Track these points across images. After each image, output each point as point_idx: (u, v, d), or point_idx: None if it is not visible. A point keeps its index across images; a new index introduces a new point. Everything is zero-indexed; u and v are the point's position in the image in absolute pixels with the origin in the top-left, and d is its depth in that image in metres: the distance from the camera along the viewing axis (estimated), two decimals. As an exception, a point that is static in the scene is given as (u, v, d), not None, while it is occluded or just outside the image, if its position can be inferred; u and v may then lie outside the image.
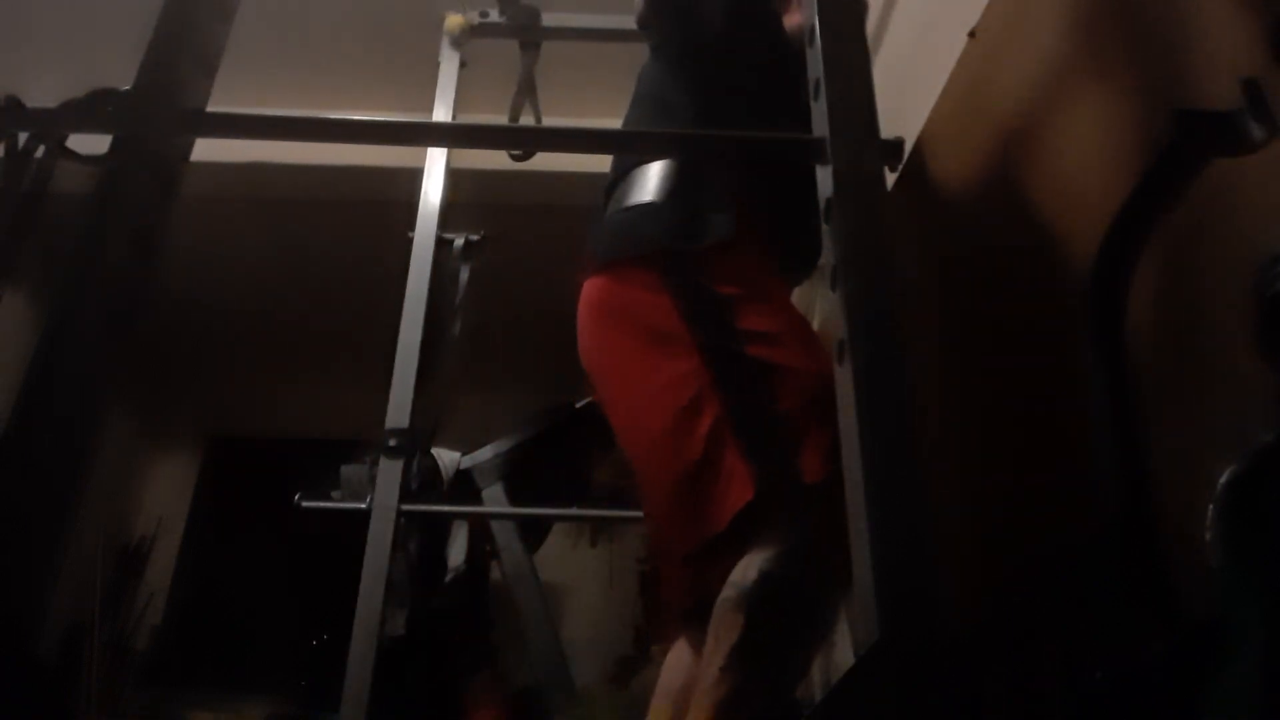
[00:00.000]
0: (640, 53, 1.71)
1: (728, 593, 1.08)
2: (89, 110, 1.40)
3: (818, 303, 2.43)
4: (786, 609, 1.07)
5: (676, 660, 1.25)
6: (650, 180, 1.30)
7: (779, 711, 1.10)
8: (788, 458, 1.08)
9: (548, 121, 2.08)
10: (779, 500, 1.07)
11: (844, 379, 0.79)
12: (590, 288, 1.28)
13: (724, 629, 1.06)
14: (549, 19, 2.16)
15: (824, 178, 0.90)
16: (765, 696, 1.07)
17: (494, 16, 2.16)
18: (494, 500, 2.68)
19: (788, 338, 1.18)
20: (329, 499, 2.22)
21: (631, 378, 1.23)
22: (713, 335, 1.15)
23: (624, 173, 1.36)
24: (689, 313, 1.17)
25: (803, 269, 1.40)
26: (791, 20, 1.54)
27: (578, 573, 3.73)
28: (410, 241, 1.96)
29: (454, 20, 2.15)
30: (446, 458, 2.70)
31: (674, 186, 1.28)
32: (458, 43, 2.16)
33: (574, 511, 2.79)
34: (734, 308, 1.17)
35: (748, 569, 1.07)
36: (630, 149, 1.53)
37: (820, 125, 0.91)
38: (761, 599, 1.05)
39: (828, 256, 0.86)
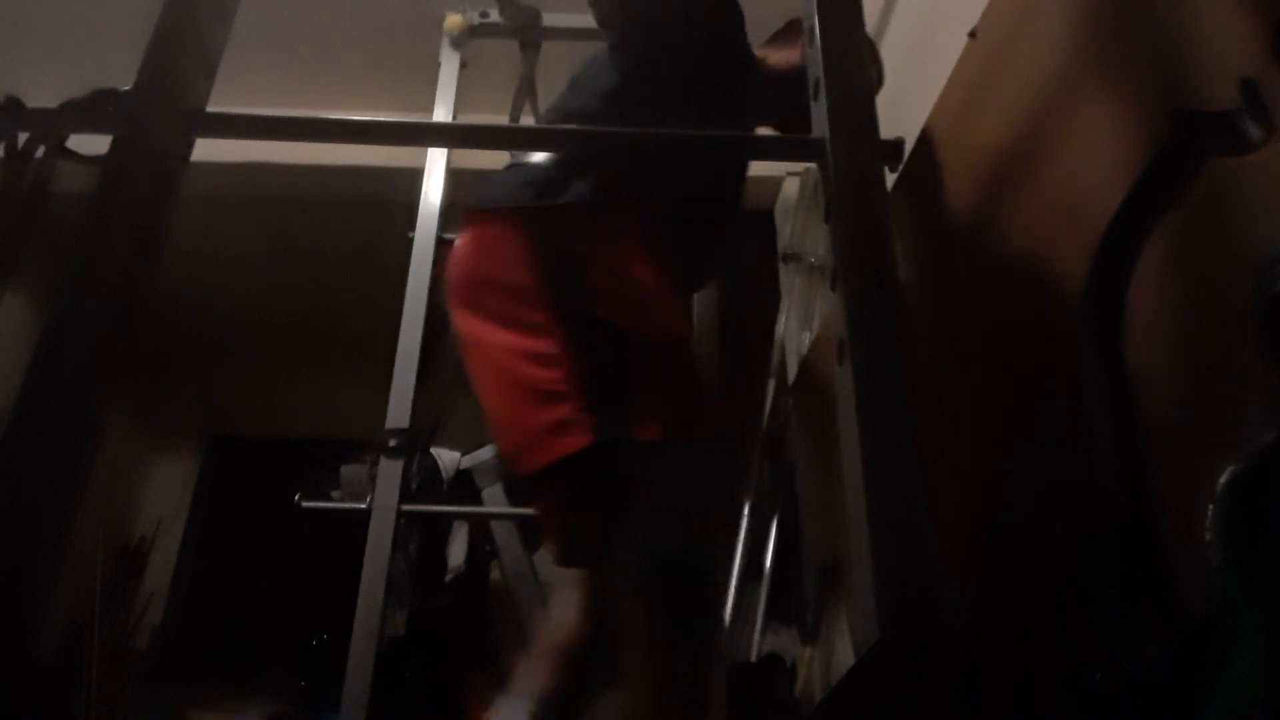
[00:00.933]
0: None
1: (620, 588, 1.13)
2: (89, 110, 1.40)
3: (818, 303, 2.43)
4: (667, 580, 1.10)
5: (560, 612, 1.33)
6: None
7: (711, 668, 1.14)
8: (624, 415, 1.12)
9: (548, 121, 2.08)
10: (615, 455, 1.11)
11: (844, 379, 0.79)
12: (462, 236, 1.33)
13: (628, 623, 1.11)
14: (549, 19, 2.16)
15: (824, 178, 0.90)
16: (692, 661, 1.10)
17: (494, 16, 2.16)
18: (494, 500, 2.68)
19: (635, 300, 1.21)
20: (329, 499, 2.22)
21: (488, 324, 1.26)
22: (564, 293, 1.19)
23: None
24: (543, 269, 1.21)
25: (690, 258, 1.40)
26: (780, 56, 1.58)
27: (578, 572, 3.73)
28: (410, 241, 1.96)
29: (454, 20, 2.15)
30: (446, 458, 2.70)
31: (552, 156, 1.32)
32: (458, 43, 2.16)
33: (574, 511, 2.79)
34: (585, 268, 1.21)
35: (626, 560, 1.13)
36: (630, 149, 1.53)
37: (820, 125, 0.91)
38: (644, 580, 1.10)
39: (828, 256, 0.86)
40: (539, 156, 1.32)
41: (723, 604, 1.21)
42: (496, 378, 1.24)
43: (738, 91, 1.46)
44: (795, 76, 1.60)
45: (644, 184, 1.27)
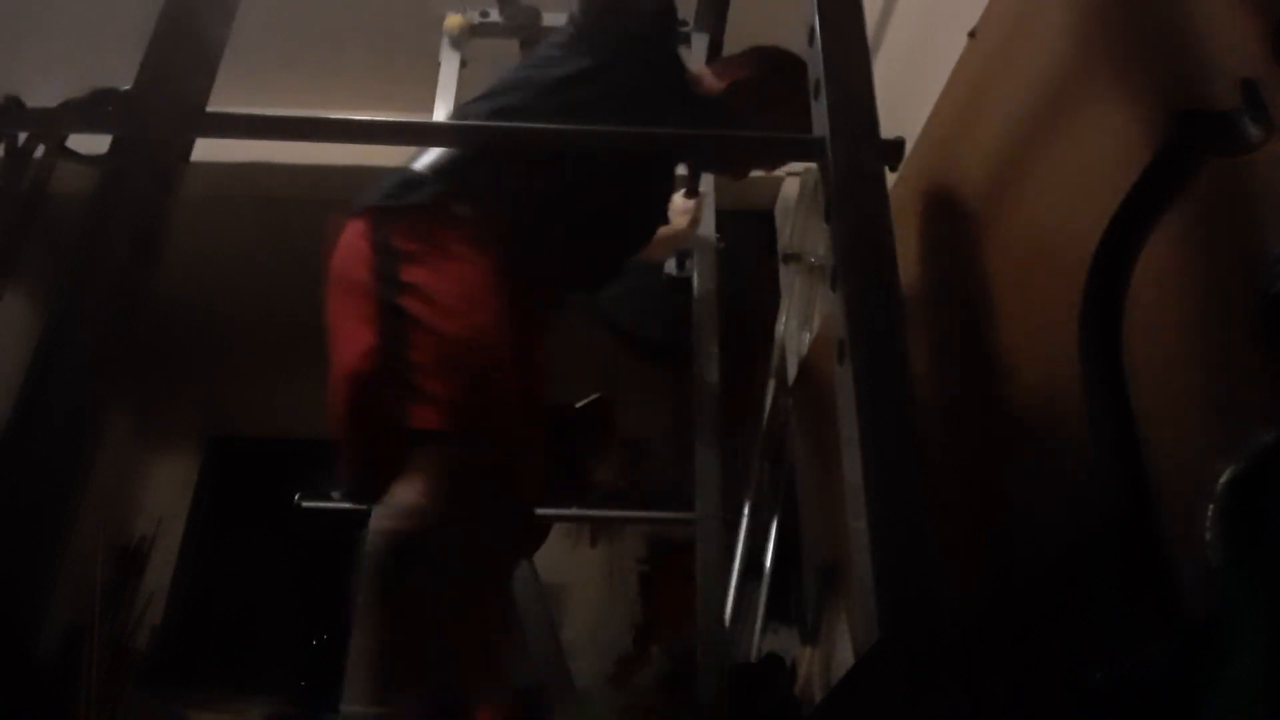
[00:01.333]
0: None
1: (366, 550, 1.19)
2: (89, 110, 1.40)
3: (818, 303, 2.43)
4: (400, 568, 1.16)
5: None
6: (421, 150, 1.45)
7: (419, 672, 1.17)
8: (405, 402, 1.21)
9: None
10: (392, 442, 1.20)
11: (844, 379, 0.79)
12: (342, 232, 1.42)
13: (361, 589, 1.18)
14: (549, 19, 2.16)
15: (824, 178, 0.90)
16: (407, 655, 1.15)
17: (494, 16, 2.16)
18: (494, 500, 2.67)
19: (443, 299, 1.29)
20: (329, 499, 2.22)
21: (335, 311, 1.36)
22: (383, 285, 1.29)
23: None
24: (374, 263, 1.31)
25: (542, 257, 1.47)
26: (711, 81, 1.73)
27: (578, 573, 3.73)
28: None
29: (454, 20, 2.15)
30: (446, 457, 2.70)
31: (420, 156, 1.42)
32: (458, 43, 2.16)
33: (574, 511, 2.79)
34: (405, 262, 1.31)
35: (372, 524, 1.19)
36: (630, 149, 1.53)
37: (820, 125, 0.91)
38: (374, 560, 1.16)
39: (828, 256, 0.86)
40: (407, 158, 1.43)
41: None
42: (335, 367, 1.34)
43: (672, 103, 1.57)
44: (717, 102, 1.71)
45: (498, 194, 1.38)
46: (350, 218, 1.40)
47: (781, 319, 2.51)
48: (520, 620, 2.49)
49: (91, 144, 1.03)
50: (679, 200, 2.03)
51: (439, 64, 2.16)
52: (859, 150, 0.87)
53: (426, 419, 1.20)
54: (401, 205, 1.36)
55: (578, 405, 2.52)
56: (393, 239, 1.33)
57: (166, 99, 0.88)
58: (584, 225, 1.48)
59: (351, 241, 1.37)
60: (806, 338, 2.40)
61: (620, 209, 1.55)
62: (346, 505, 1.96)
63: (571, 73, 1.48)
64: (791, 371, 2.45)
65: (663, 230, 1.88)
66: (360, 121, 1.02)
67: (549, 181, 1.41)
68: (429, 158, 1.42)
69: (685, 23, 2.16)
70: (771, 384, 2.54)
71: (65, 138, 1.81)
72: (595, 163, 1.46)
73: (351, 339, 1.29)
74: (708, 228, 2.16)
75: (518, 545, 1.48)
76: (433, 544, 1.16)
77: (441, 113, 2.09)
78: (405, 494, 1.18)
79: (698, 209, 2.08)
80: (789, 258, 2.54)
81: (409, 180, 1.39)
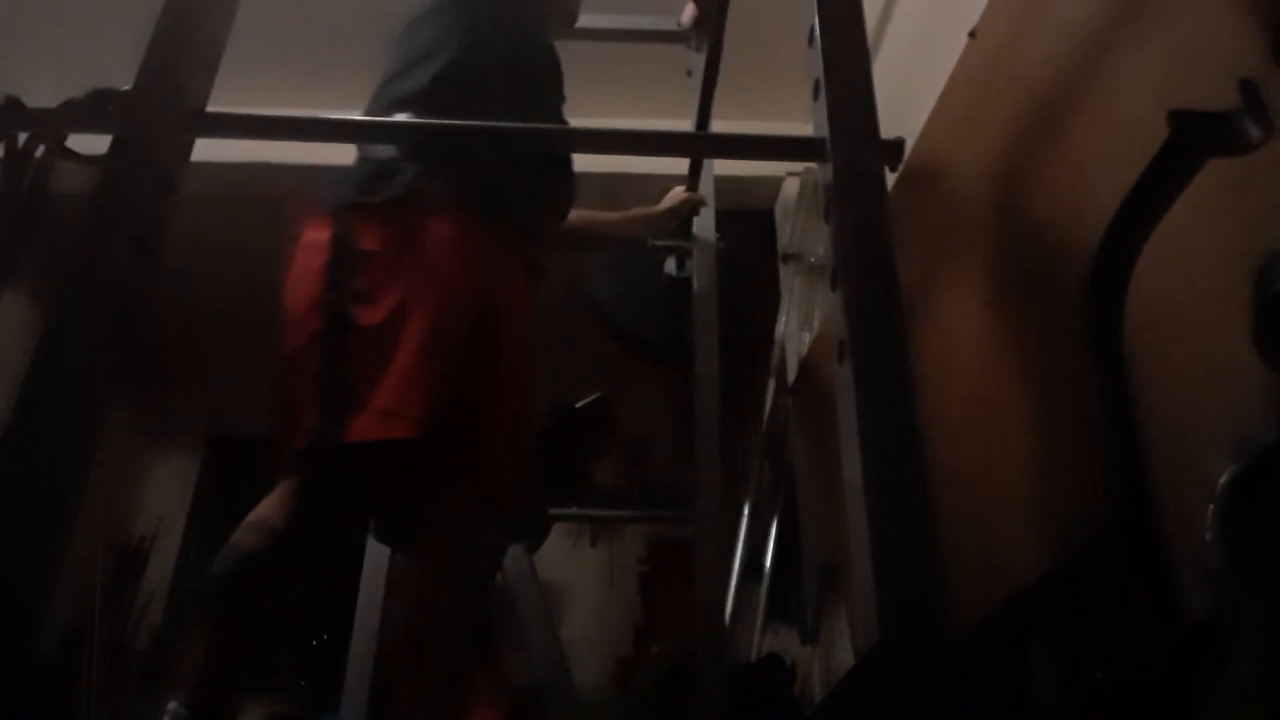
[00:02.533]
0: (639, 53, 1.72)
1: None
2: (89, 110, 1.40)
3: (818, 303, 2.43)
4: (239, 582, 1.16)
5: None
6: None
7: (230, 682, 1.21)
8: (341, 414, 1.17)
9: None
10: (321, 457, 1.16)
11: (844, 379, 0.79)
12: (303, 232, 1.37)
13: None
14: (549, 19, 2.16)
15: (824, 178, 0.90)
16: (221, 663, 1.18)
17: (494, 16, 2.16)
18: (494, 500, 2.67)
19: (402, 301, 1.23)
20: (329, 499, 2.21)
21: (287, 316, 1.32)
22: (332, 291, 1.24)
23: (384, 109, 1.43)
24: (329, 268, 1.26)
25: (510, 218, 1.43)
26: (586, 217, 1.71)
27: (578, 573, 3.73)
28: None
29: (454, 20, 2.14)
30: (446, 458, 2.70)
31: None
32: (458, 43, 2.15)
33: (574, 511, 2.79)
34: (360, 266, 1.25)
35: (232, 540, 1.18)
36: (630, 148, 1.53)
37: (820, 125, 0.91)
38: (220, 566, 1.16)
39: (828, 256, 0.86)
40: (364, 150, 1.38)
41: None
42: (278, 372, 1.32)
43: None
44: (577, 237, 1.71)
45: (464, 160, 1.32)
46: (315, 215, 1.35)
47: (781, 319, 2.51)
48: (520, 620, 2.49)
49: (91, 144, 1.03)
50: (678, 190, 2.02)
51: (439, 64, 2.15)
52: (859, 150, 0.87)
53: (362, 429, 1.16)
54: (375, 201, 1.29)
55: (578, 405, 2.52)
56: (355, 239, 1.27)
57: (166, 99, 0.88)
58: (535, 169, 1.44)
59: (313, 242, 1.32)
60: (806, 338, 2.40)
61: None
62: (346, 505, 1.96)
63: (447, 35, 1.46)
64: (791, 371, 2.45)
65: (653, 209, 1.88)
66: (360, 122, 1.02)
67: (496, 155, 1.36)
68: (381, 150, 1.36)
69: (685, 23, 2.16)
70: (771, 384, 2.54)
71: (65, 138, 1.81)
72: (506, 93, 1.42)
73: (298, 350, 1.26)
74: (707, 228, 2.16)
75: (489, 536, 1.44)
76: (269, 562, 1.17)
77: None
78: (263, 509, 1.18)
79: (693, 204, 2.05)
80: (789, 258, 2.54)
81: (384, 168, 1.32)
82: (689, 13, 1.90)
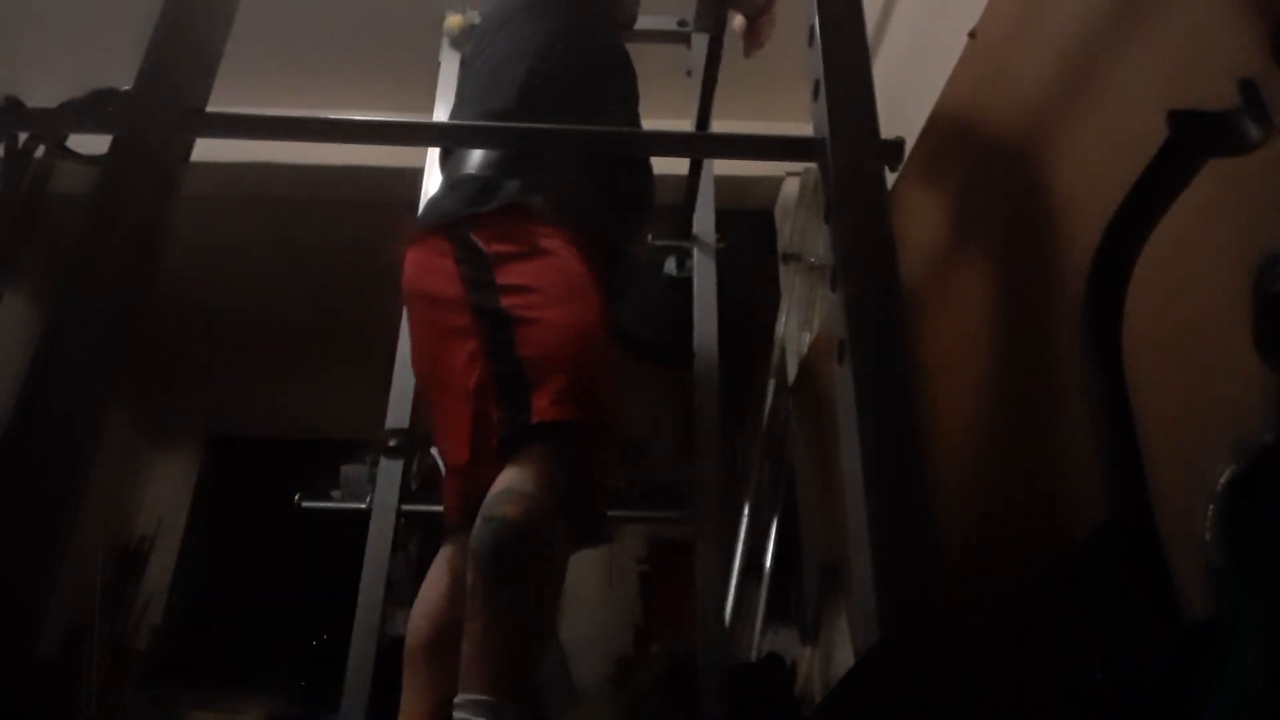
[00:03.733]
0: (639, 52, 1.71)
1: (471, 542, 1.16)
2: (89, 110, 1.40)
3: (818, 303, 2.43)
4: (511, 553, 1.14)
5: (437, 574, 1.38)
6: (470, 154, 1.43)
7: (538, 660, 1.17)
8: (522, 399, 1.20)
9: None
10: (515, 439, 1.19)
11: (844, 379, 0.79)
12: (408, 257, 1.42)
13: (470, 579, 1.14)
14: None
15: (824, 178, 0.90)
16: (522, 641, 1.13)
17: (494, 16, 2.16)
18: (494, 500, 2.67)
19: (543, 291, 1.28)
20: (329, 499, 2.22)
21: (428, 338, 1.39)
22: (479, 293, 1.28)
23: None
24: (466, 274, 1.30)
25: (610, 223, 1.48)
26: None
27: (578, 573, 3.73)
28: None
29: (454, 20, 2.15)
30: (446, 458, 2.69)
31: (482, 158, 1.40)
32: (458, 43, 2.16)
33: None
34: (497, 265, 1.29)
35: (481, 513, 1.16)
36: (632, 148, 1.53)
37: (820, 125, 0.91)
38: (487, 545, 1.13)
39: (828, 256, 0.86)
40: (465, 168, 1.41)
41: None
42: (433, 379, 1.37)
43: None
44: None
45: (563, 176, 1.38)
46: (419, 238, 1.39)
47: (781, 319, 2.51)
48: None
49: (91, 144, 1.03)
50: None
51: (439, 64, 2.16)
52: (859, 150, 0.87)
53: (547, 411, 1.18)
54: (486, 212, 1.33)
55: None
56: (479, 246, 1.31)
57: (166, 99, 0.88)
58: (615, 177, 1.48)
59: (428, 260, 1.36)
60: (806, 338, 2.40)
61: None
62: (346, 505, 1.96)
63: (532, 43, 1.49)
64: (791, 371, 2.45)
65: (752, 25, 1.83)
66: (360, 122, 1.02)
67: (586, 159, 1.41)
68: (479, 158, 1.40)
69: (685, 23, 2.16)
70: (771, 384, 2.54)
71: (65, 138, 1.81)
72: (602, 99, 1.47)
73: (454, 353, 1.29)
74: (707, 228, 2.16)
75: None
76: (543, 532, 1.15)
77: (441, 113, 2.09)
78: (520, 482, 1.17)
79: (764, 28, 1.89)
80: (789, 258, 2.54)
81: (485, 186, 1.36)
82: (739, 22, 1.88)
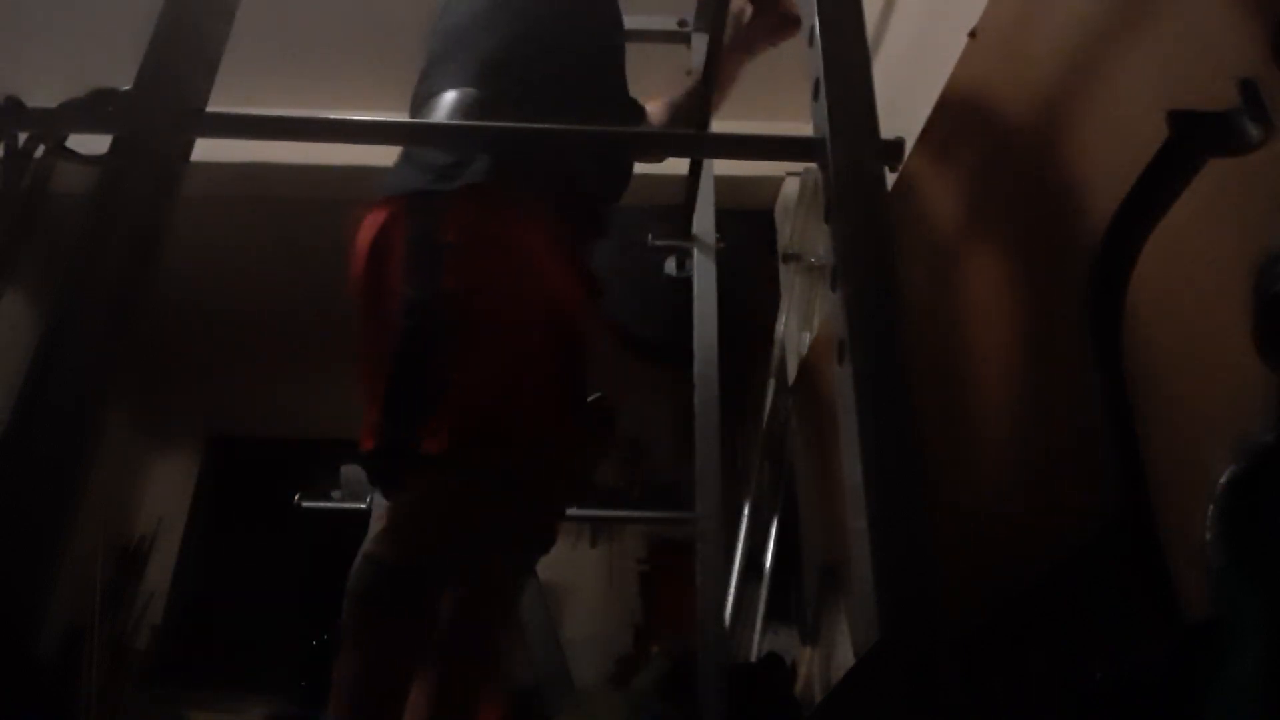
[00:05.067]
0: (639, 52, 1.71)
1: (350, 577, 1.13)
2: (89, 110, 1.40)
3: (818, 303, 2.43)
4: (376, 594, 1.10)
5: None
6: (435, 116, 1.29)
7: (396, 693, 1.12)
8: (415, 417, 1.10)
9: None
10: (394, 463, 1.12)
11: (844, 379, 0.79)
12: (363, 221, 1.30)
13: (344, 611, 1.12)
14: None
15: (824, 178, 0.90)
16: (377, 683, 1.10)
17: (494, 16, 2.15)
18: (494, 500, 2.67)
19: (486, 299, 1.16)
20: (329, 499, 2.22)
21: (360, 314, 1.25)
22: (417, 286, 1.15)
23: (424, 99, 1.35)
24: (409, 260, 1.17)
25: (591, 190, 1.38)
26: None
27: (578, 573, 3.73)
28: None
29: (454, 20, 2.14)
30: (446, 457, 2.69)
31: (448, 117, 1.28)
32: (458, 43, 2.15)
33: (574, 511, 2.79)
34: (448, 259, 1.16)
35: (363, 548, 1.13)
36: (631, 148, 1.53)
37: (820, 125, 0.91)
38: (358, 587, 1.11)
39: (828, 256, 0.86)
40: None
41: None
42: (359, 352, 1.26)
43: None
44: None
45: (533, 169, 1.24)
46: (380, 205, 1.26)
47: (781, 319, 2.52)
48: (520, 620, 2.49)
49: (91, 144, 1.03)
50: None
51: (439, 64, 2.15)
52: (859, 150, 0.87)
53: (433, 444, 1.08)
54: (451, 189, 1.18)
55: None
56: (435, 229, 1.17)
57: (166, 99, 0.88)
58: (598, 164, 1.38)
59: (381, 234, 1.23)
60: (806, 338, 2.40)
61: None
62: (346, 505, 1.96)
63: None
64: (791, 371, 2.45)
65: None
66: (360, 122, 1.02)
67: (562, 110, 1.21)
68: (454, 116, 1.28)
69: (685, 22, 2.16)
70: (771, 384, 2.54)
71: (65, 138, 1.81)
72: (590, 97, 1.36)
73: (372, 347, 1.19)
74: (707, 228, 2.16)
75: (527, 555, 1.38)
76: (422, 576, 1.11)
77: (441, 113, 2.08)
78: (407, 519, 1.13)
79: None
80: (789, 258, 2.54)
81: (446, 163, 1.21)
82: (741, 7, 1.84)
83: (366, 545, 1.12)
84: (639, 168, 1.58)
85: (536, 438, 1.15)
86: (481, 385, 1.12)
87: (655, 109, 1.72)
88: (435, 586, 1.14)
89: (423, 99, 1.36)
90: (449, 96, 1.31)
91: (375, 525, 1.18)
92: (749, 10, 1.74)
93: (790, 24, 1.69)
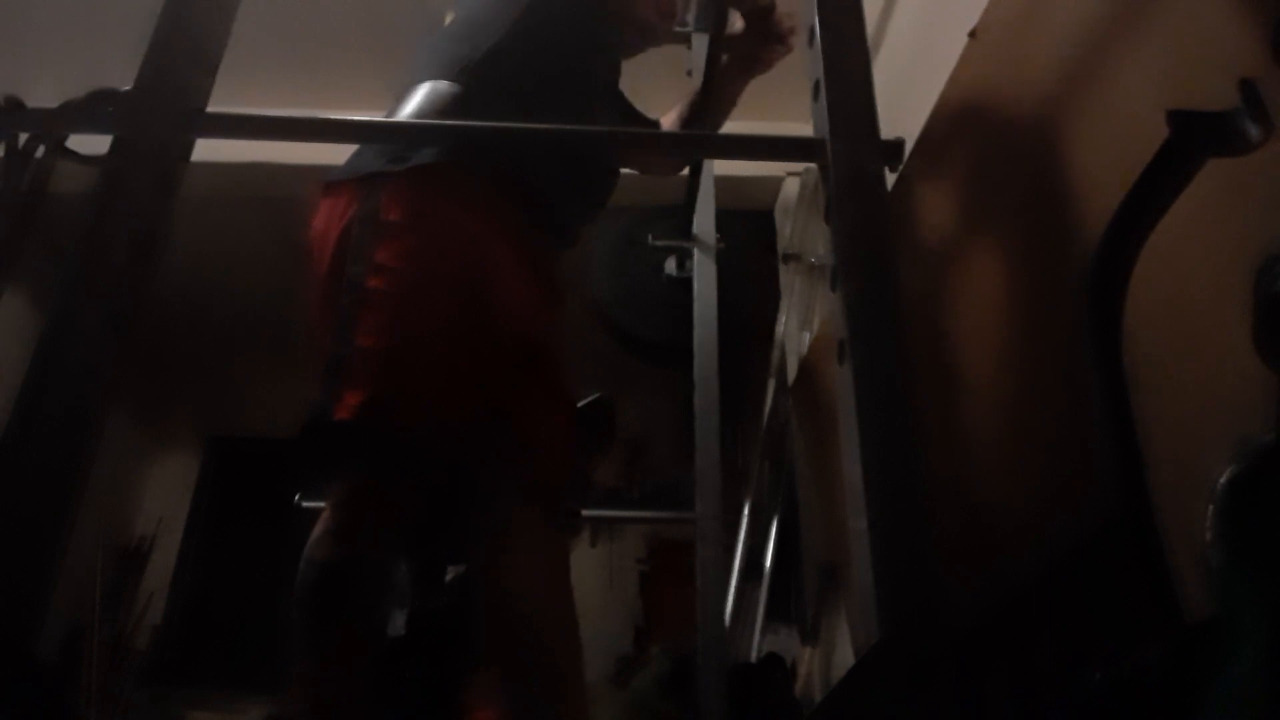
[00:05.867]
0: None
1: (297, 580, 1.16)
2: (89, 110, 1.40)
3: (818, 303, 2.43)
4: (319, 598, 1.16)
5: None
6: (405, 107, 1.31)
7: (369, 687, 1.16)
8: (335, 387, 1.11)
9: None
10: (316, 428, 1.12)
11: (844, 379, 0.79)
12: (320, 206, 1.30)
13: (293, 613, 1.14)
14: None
15: (824, 178, 0.90)
16: (329, 690, 1.15)
17: (494, 16, 2.15)
18: (494, 500, 2.67)
19: (409, 275, 1.16)
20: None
21: (317, 296, 1.25)
22: (356, 264, 1.16)
23: (404, 88, 1.36)
24: (352, 239, 1.18)
25: (559, 196, 1.36)
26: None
27: (578, 573, 3.72)
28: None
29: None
30: (446, 458, 2.69)
31: (415, 109, 1.28)
32: (458, 43, 2.15)
33: (574, 511, 2.79)
34: (382, 237, 1.17)
35: (304, 552, 1.16)
36: (632, 148, 1.53)
37: (820, 125, 0.91)
38: (303, 591, 1.16)
39: (828, 256, 0.86)
40: (405, 112, 1.30)
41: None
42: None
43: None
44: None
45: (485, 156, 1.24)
46: (334, 189, 1.28)
47: (781, 319, 2.52)
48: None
49: (91, 144, 1.03)
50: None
51: (439, 64, 2.15)
52: (859, 150, 0.87)
53: (342, 410, 1.10)
54: (403, 170, 1.19)
55: (578, 405, 2.52)
56: (380, 209, 1.18)
57: (166, 99, 0.88)
58: (576, 153, 1.37)
59: (331, 215, 1.25)
60: (806, 338, 2.41)
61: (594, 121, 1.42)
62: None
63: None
64: (791, 371, 2.45)
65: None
66: (360, 122, 1.02)
67: (544, 115, 1.19)
68: (412, 109, 1.29)
69: (685, 23, 2.16)
70: (771, 384, 2.54)
71: (65, 138, 1.81)
72: (575, 84, 1.36)
73: (322, 331, 1.19)
74: (708, 228, 2.16)
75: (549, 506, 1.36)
76: (360, 575, 1.14)
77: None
78: (337, 520, 1.15)
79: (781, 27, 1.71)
80: (789, 258, 2.54)
81: (408, 143, 1.24)
82: (740, 26, 1.83)
83: (305, 551, 1.15)
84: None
85: (441, 406, 1.15)
86: (389, 352, 1.13)
87: (665, 123, 1.74)
88: (377, 580, 1.18)
89: (403, 87, 1.37)
90: (422, 88, 1.32)
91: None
92: (739, 23, 1.72)
93: (779, 43, 1.68)
